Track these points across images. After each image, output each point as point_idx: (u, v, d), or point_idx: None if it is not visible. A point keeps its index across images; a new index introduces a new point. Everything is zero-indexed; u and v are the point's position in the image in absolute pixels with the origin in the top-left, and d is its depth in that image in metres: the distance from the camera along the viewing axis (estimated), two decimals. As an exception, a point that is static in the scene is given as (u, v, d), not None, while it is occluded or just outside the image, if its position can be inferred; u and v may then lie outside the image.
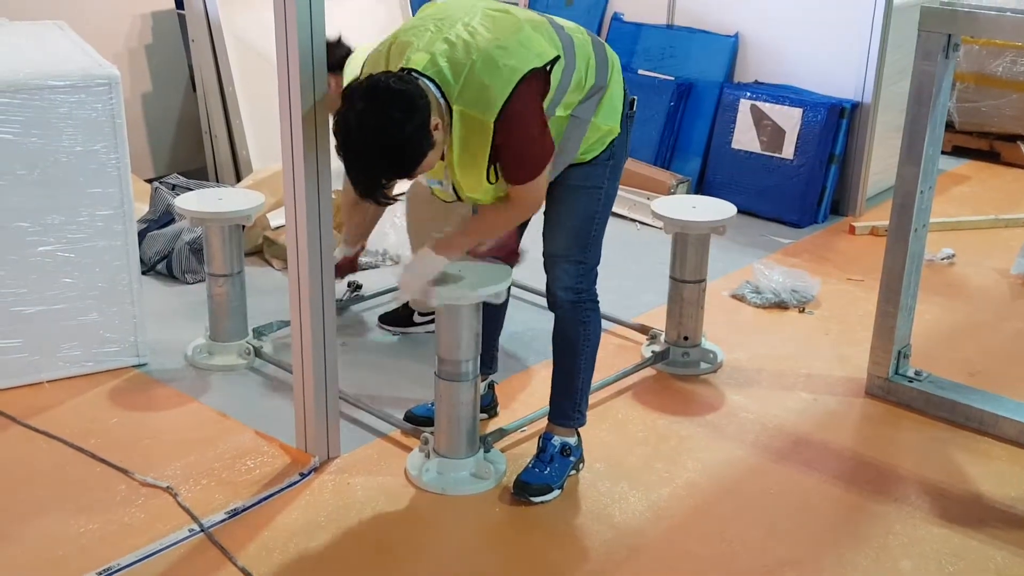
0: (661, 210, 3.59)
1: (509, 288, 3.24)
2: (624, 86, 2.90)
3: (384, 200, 2.66)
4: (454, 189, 2.75)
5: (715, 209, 3.64)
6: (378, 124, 2.48)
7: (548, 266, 2.96)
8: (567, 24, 2.82)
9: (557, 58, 2.64)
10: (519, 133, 2.59)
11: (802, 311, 4.19)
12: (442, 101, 2.55)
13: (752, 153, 5.22)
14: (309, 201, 2.82)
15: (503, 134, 2.56)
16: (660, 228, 3.69)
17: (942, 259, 4.70)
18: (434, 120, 2.53)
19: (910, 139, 3.30)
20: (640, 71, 5.62)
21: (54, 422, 3.26)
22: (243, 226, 3.65)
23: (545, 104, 2.66)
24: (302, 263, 2.88)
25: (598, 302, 3.02)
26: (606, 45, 2.89)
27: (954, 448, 3.27)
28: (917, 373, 3.53)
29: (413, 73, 2.55)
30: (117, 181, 3.42)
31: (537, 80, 2.60)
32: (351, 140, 2.52)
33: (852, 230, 5.04)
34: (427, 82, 2.55)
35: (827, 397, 3.56)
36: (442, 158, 2.66)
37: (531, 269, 3.14)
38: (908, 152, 3.31)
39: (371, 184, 2.59)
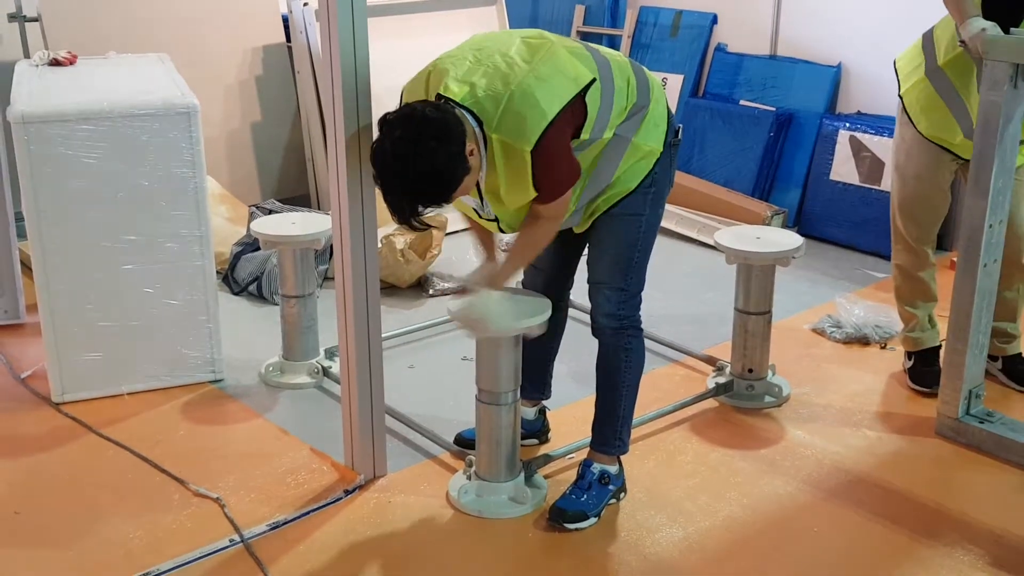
0: (724, 240, 3.55)
1: (564, 317, 3.28)
2: (669, 111, 2.91)
3: (419, 226, 2.72)
4: (485, 212, 2.82)
5: (780, 241, 3.57)
6: (413, 152, 2.53)
7: (591, 293, 2.98)
8: (603, 48, 2.86)
9: (593, 80, 2.68)
10: (551, 161, 2.64)
11: (884, 347, 4.06)
12: (477, 130, 2.61)
13: (850, 185, 5.09)
14: (353, 221, 2.91)
15: (538, 160, 2.61)
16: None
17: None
18: (469, 146, 2.58)
19: (977, 171, 3.17)
20: (741, 101, 5.56)
21: (126, 432, 3.43)
22: (316, 250, 3.79)
23: (588, 129, 2.70)
24: (347, 282, 2.97)
25: (642, 329, 3.02)
26: (646, 70, 2.90)
27: (1021, 494, 3.12)
28: (989, 414, 3.37)
29: (450, 103, 2.62)
30: (195, 205, 3.59)
31: (571, 111, 2.64)
32: (387, 168, 2.59)
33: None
34: (463, 111, 2.61)
35: (894, 436, 3.44)
36: (477, 186, 2.72)
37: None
38: (975, 185, 3.19)
39: (408, 211, 2.65)
